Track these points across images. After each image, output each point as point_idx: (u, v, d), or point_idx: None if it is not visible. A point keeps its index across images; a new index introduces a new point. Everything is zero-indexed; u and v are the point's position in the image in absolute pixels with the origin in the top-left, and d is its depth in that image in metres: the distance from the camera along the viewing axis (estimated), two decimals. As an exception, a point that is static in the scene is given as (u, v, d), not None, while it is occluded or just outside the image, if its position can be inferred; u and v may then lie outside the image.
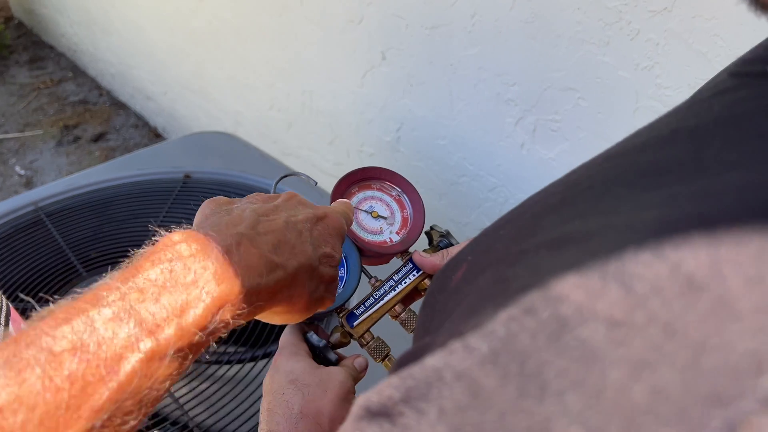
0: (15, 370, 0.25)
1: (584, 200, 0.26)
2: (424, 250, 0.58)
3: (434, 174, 1.35)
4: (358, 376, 0.50)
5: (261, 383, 0.78)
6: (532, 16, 0.98)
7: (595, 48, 0.92)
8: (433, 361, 0.21)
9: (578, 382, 0.17)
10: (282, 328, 0.85)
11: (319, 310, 0.44)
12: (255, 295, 0.34)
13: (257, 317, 0.38)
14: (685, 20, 0.79)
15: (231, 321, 0.33)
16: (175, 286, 0.31)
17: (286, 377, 0.46)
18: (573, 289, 0.19)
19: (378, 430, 0.21)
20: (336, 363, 0.51)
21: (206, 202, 0.40)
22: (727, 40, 0.76)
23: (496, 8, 1.03)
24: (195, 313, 0.31)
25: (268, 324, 0.84)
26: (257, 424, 0.73)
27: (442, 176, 1.34)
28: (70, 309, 0.28)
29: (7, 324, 0.55)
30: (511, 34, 1.03)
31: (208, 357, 0.81)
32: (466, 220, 1.32)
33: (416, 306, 0.59)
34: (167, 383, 0.30)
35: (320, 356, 0.52)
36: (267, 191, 1.08)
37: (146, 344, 0.29)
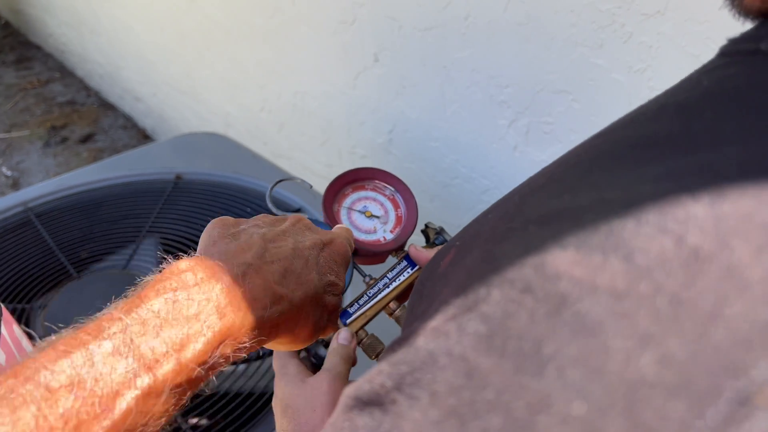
0: (10, 407, 0.25)
1: (572, 176, 0.25)
2: (422, 247, 0.58)
3: (426, 176, 1.35)
4: (347, 352, 0.48)
5: (249, 382, 0.77)
6: (526, 18, 0.98)
7: (589, 50, 0.92)
8: (425, 344, 0.20)
9: (579, 356, 0.17)
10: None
11: (321, 337, 0.44)
12: (257, 329, 0.34)
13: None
14: (678, 23, 0.80)
15: (231, 355, 0.33)
16: (177, 318, 0.30)
17: (280, 405, 0.45)
18: (571, 266, 0.18)
19: (369, 420, 0.20)
20: None
21: (213, 222, 0.40)
22: (719, 44, 0.76)
23: (489, 10, 1.03)
24: (195, 348, 0.30)
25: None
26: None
27: (435, 178, 1.34)
28: (71, 341, 0.28)
29: (-2, 324, 0.55)
30: (505, 37, 1.03)
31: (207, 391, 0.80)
32: (459, 223, 1.32)
33: (412, 304, 0.59)
34: (163, 419, 0.30)
35: (311, 352, 0.51)
36: (260, 193, 1.07)
37: (143, 380, 0.28)
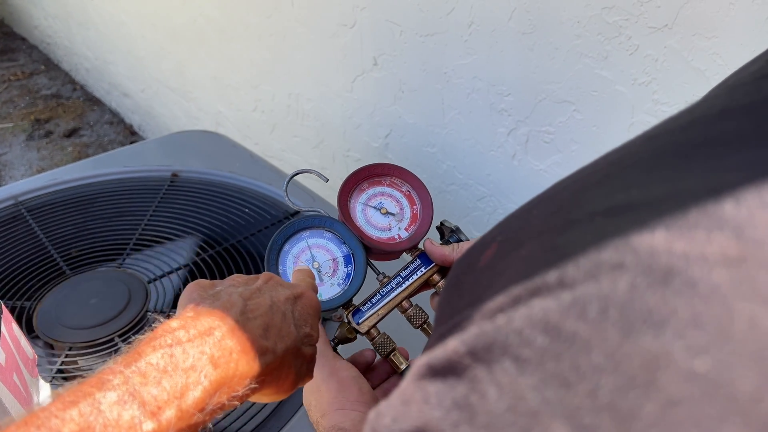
0: None
1: (635, 173, 0.25)
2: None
3: (422, 181, 1.35)
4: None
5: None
6: (531, 28, 0.98)
7: (593, 62, 0.92)
8: (499, 319, 0.20)
9: (699, 320, 0.17)
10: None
11: (300, 386, 0.47)
12: (249, 379, 0.37)
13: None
14: (685, 38, 0.80)
15: (226, 403, 0.35)
16: (176, 369, 0.33)
17: (305, 405, 0.51)
18: (669, 243, 0.18)
19: (441, 387, 0.20)
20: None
21: (190, 285, 0.42)
22: (726, 59, 0.77)
23: (493, 19, 1.03)
24: (194, 396, 0.33)
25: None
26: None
27: (430, 184, 1.33)
28: (77, 392, 0.30)
29: (-1, 322, 0.53)
30: (508, 45, 1.03)
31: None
32: (453, 229, 1.32)
33: (421, 300, 0.59)
34: None
35: None
36: (258, 193, 1.06)
37: (148, 425, 0.31)
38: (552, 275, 0.20)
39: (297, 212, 1.04)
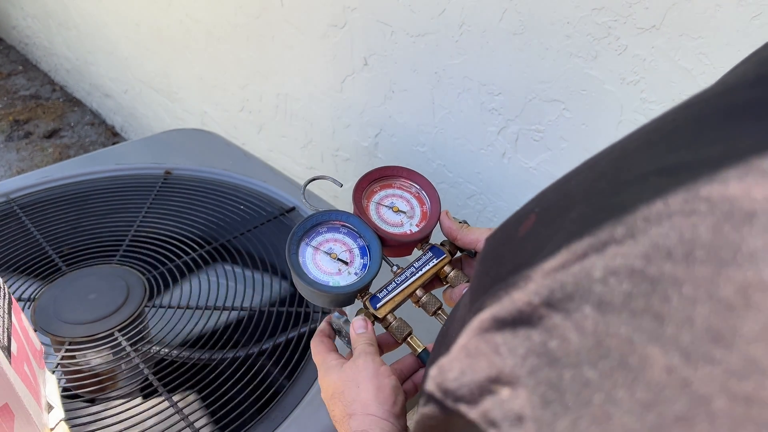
0: None
1: (679, 136, 0.24)
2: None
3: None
4: (367, 336, 0.53)
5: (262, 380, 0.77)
6: (521, 29, 1.01)
7: (583, 62, 0.95)
8: (573, 269, 0.20)
9: None
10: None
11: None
12: None
13: None
14: (673, 38, 0.83)
15: None
16: None
17: (329, 392, 0.50)
18: (746, 189, 0.18)
19: (511, 338, 0.20)
20: None
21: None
22: (712, 59, 0.80)
23: (484, 19, 1.06)
24: None
25: (259, 325, 0.83)
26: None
27: (420, 183, 1.36)
28: None
29: (10, 312, 0.53)
30: (499, 45, 1.06)
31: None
32: (442, 227, 1.33)
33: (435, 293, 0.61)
34: None
35: (341, 333, 0.55)
36: (252, 190, 1.06)
37: None
38: (619, 230, 0.20)
39: (293, 208, 1.05)
